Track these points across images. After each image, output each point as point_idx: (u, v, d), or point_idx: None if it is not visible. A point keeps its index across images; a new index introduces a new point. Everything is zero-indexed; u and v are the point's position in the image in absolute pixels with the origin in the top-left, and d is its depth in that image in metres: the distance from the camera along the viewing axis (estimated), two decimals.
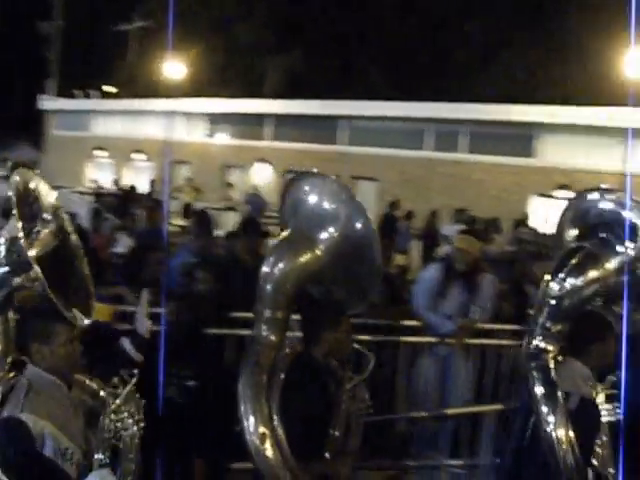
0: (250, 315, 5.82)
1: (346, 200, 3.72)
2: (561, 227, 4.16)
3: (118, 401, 3.09)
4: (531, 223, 14.50)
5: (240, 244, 6.70)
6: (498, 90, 22.36)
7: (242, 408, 3.51)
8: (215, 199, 20.48)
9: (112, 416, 3.08)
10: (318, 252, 3.71)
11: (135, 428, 3.11)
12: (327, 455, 3.71)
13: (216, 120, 26.85)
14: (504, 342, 6.41)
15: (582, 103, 18.83)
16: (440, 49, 25.88)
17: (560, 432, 3.58)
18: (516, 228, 13.12)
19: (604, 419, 3.75)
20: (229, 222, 13.24)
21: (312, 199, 3.79)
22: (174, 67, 24.76)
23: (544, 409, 3.63)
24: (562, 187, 18.71)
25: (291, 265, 3.71)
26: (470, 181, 19.80)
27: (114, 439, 3.08)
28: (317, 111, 23.46)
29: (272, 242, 3.97)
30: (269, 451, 3.46)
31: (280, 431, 3.52)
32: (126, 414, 3.10)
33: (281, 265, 3.68)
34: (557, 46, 22.87)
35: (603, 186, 3.97)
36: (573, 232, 4.05)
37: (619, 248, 3.77)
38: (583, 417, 3.64)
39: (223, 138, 26.76)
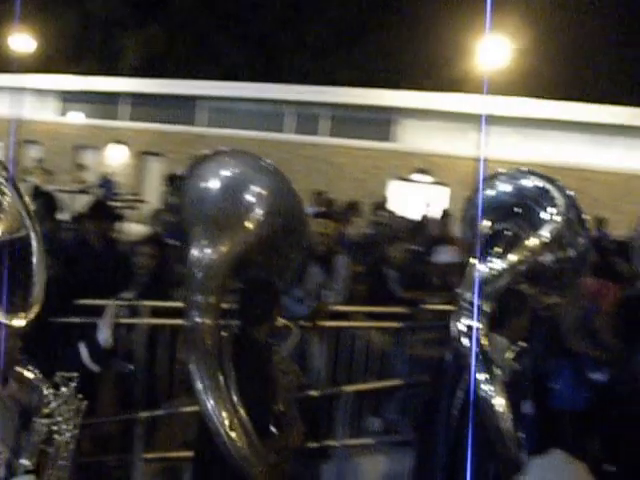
0: (101, 302, 5.60)
1: (269, 174, 3.72)
2: (470, 216, 4.34)
3: (54, 404, 2.80)
4: (389, 206, 14.73)
5: (89, 228, 6.42)
6: (359, 74, 22.62)
7: (204, 398, 3.48)
8: (67, 181, 19.63)
9: (44, 420, 2.80)
10: (246, 231, 3.69)
11: (69, 435, 2.82)
12: (274, 430, 3.83)
13: (68, 98, 25.67)
14: (359, 324, 6.46)
15: (439, 89, 19.33)
16: (302, 32, 25.89)
17: (499, 402, 3.78)
18: (375, 211, 13.27)
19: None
20: (82, 206, 12.70)
21: (230, 178, 3.75)
22: (23, 40, 23.43)
23: (482, 383, 3.81)
24: (419, 171, 19.18)
25: (221, 248, 3.65)
26: (331, 164, 19.93)
27: (45, 444, 2.79)
28: (175, 91, 22.89)
29: (197, 227, 3.79)
30: (239, 437, 3.49)
31: (243, 414, 3.55)
32: (61, 418, 2.82)
33: (209, 250, 3.61)
34: (416, 32, 23.36)
35: (496, 171, 4.22)
36: (487, 223, 4.22)
37: (543, 215, 4.02)
38: (514, 388, 3.90)
39: (76, 117, 25.64)
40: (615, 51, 21.63)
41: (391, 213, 12.68)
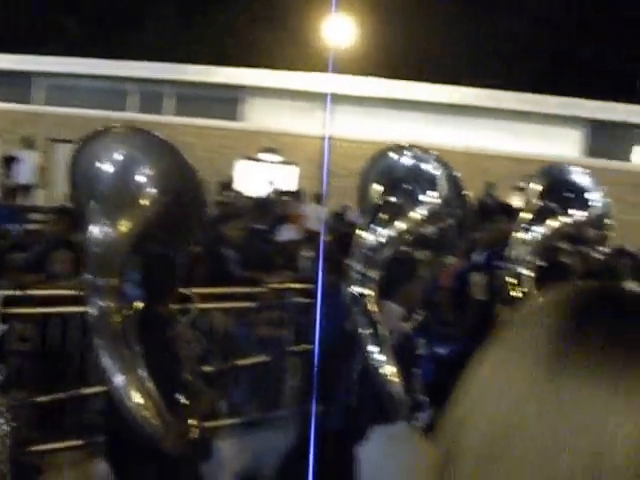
0: None
1: (159, 148, 3.74)
2: (364, 183, 4.51)
3: None
4: (236, 186, 14.61)
5: None
6: (205, 51, 22.23)
7: (116, 382, 3.43)
8: None
9: None
10: (143, 208, 3.64)
11: (5, 427, 2.73)
12: (184, 400, 3.87)
13: None
14: (200, 306, 6.28)
15: (286, 67, 19.27)
16: (146, 6, 25.19)
17: (389, 368, 3.92)
18: (221, 191, 13.15)
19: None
20: None
21: (121, 156, 3.69)
22: None
23: (372, 349, 3.94)
24: (267, 150, 19.09)
25: (119, 227, 3.58)
26: (177, 143, 19.40)
27: None
28: (8, 66, 21.50)
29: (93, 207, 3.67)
30: (154, 418, 3.49)
31: (153, 389, 3.52)
32: None
33: (109, 229, 3.52)
34: (263, 10, 23.23)
35: (402, 144, 4.52)
36: (378, 188, 4.39)
37: (422, 198, 4.26)
38: (404, 352, 4.06)
39: None
40: (461, 32, 22.34)
41: (237, 193, 12.57)
